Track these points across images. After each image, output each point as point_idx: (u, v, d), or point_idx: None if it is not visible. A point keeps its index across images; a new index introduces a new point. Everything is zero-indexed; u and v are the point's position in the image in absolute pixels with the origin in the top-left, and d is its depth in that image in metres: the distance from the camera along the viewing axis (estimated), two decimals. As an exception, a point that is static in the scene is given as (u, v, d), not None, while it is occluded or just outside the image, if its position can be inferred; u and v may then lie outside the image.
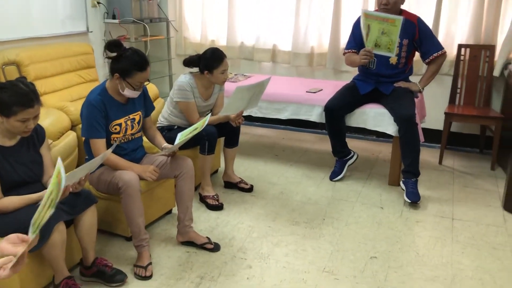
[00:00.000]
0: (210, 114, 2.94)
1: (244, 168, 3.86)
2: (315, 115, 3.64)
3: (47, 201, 1.25)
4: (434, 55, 3.42)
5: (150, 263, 2.46)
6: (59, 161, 1.75)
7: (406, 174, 3.31)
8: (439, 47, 3.43)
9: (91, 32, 4.29)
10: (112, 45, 2.45)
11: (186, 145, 2.90)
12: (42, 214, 1.22)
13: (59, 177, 1.74)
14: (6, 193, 2.07)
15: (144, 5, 4.49)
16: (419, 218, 3.07)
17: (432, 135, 4.31)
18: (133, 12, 4.37)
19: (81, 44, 3.85)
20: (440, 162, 4.01)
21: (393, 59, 3.40)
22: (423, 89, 3.52)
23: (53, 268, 2.15)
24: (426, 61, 3.48)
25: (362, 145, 4.48)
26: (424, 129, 3.63)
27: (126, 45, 2.56)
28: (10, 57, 3.20)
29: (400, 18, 3.11)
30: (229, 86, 3.60)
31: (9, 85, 2.02)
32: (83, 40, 4.17)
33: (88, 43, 4.00)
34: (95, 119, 2.43)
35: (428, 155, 4.19)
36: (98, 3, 4.35)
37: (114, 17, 4.40)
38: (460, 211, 3.17)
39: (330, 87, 3.87)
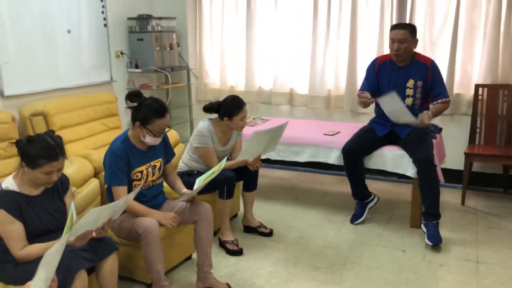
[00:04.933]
0: (226, 158, 2.99)
1: (263, 211, 3.86)
2: (333, 157, 3.65)
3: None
4: (442, 100, 3.42)
5: (170, 310, 2.46)
6: (72, 207, 1.87)
7: (426, 216, 3.26)
8: (446, 94, 3.44)
9: (115, 81, 4.46)
10: (132, 95, 2.57)
11: (205, 190, 2.94)
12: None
13: (71, 222, 1.85)
14: (30, 241, 2.12)
15: (165, 54, 4.66)
16: (442, 262, 3.00)
17: (453, 176, 4.26)
18: (155, 61, 4.53)
19: (105, 93, 4.00)
20: (462, 203, 3.95)
21: (409, 100, 3.43)
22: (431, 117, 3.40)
23: (73, 316, 2.16)
24: (433, 104, 3.48)
25: (383, 186, 4.44)
26: (444, 170, 3.60)
27: (148, 93, 2.66)
28: (38, 108, 3.36)
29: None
30: (247, 130, 3.66)
31: (37, 139, 2.12)
32: (107, 89, 4.33)
33: (112, 92, 4.15)
34: (118, 167, 2.51)
35: (450, 196, 4.13)
36: (122, 53, 4.54)
37: (137, 67, 4.58)
38: (485, 253, 3.10)
39: (347, 129, 3.90)
